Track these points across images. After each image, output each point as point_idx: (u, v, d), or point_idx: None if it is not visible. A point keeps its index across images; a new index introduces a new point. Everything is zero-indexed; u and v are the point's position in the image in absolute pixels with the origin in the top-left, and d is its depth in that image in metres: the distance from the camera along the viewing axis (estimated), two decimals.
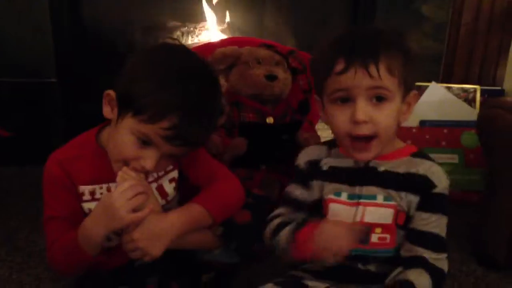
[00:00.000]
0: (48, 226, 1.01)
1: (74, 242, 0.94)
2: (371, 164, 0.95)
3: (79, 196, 1.00)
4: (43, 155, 1.95)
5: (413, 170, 0.94)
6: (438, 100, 1.96)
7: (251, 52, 1.48)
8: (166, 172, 1.06)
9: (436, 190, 0.93)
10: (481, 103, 2.01)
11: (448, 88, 2.02)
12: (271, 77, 1.43)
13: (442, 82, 2.10)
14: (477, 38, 2.17)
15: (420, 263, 0.91)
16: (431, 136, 1.84)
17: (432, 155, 1.77)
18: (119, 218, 0.89)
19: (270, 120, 1.47)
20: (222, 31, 2.18)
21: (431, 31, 2.08)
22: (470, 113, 1.92)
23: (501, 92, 2.12)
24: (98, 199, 0.98)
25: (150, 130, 0.91)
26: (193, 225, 0.99)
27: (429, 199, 0.93)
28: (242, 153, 1.41)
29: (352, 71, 0.87)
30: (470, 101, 2.02)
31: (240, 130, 1.45)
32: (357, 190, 0.95)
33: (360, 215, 0.94)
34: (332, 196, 0.97)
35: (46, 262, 1.30)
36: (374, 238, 0.94)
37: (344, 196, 0.96)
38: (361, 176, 0.96)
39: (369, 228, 0.94)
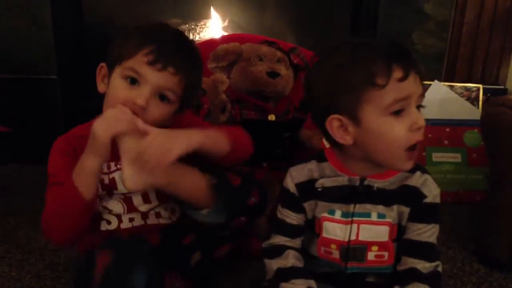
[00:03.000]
0: (49, 191, 1.02)
1: (68, 185, 0.95)
2: (366, 183, 0.94)
3: None
4: (42, 152, 1.95)
5: (405, 183, 0.93)
6: (441, 98, 1.95)
7: (253, 49, 1.47)
8: None
9: (427, 200, 0.92)
10: (484, 102, 2.01)
11: (451, 87, 2.02)
12: (273, 74, 1.42)
13: (444, 80, 2.09)
14: (480, 36, 2.16)
15: (414, 276, 0.91)
16: (434, 134, 1.83)
17: (434, 154, 1.81)
18: (97, 137, 0.91)
19: (271, 117, 1.46)
20: (223, 28, 2.17)
21: (433, 29, 2.07)
22: (473, 112, 1.92)
23: (504, 91, 2.12)
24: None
25: (133, 61, 0.98)
26: (211, 144, 0.98)
27: (420, 209, 0.93)
28: None
29: (412, 77, 0.85)
30: (473, 100, 2.02)
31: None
32: (351, 208, 0.94)
33: (355, 233, 0.93)
34: (326, 215, 0.95)
35: (46, 260, 1.31)
36: (370, 256, 0.94)
37: (338, 214, 0.94)
38: (356, 194, 0.94)
39: (365, 246, 0.94)
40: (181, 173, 0.97)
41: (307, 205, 0.98)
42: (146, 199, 1.06)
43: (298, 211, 0.99)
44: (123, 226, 1.06)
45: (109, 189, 1.04)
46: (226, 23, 2.17)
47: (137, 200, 1.06)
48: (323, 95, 0.90)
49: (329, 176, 0.96)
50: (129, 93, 0.97)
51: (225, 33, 2.12)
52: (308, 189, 0.97)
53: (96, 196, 0.98)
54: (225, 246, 1.13)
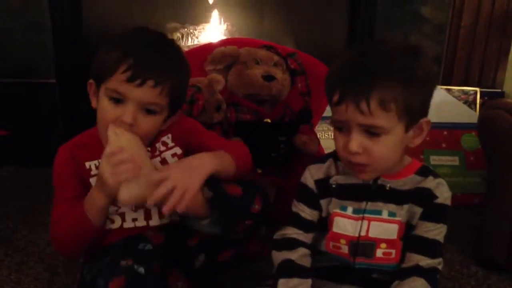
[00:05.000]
0: (56, 207, 1.06)
1: (80, 212, 1.00)
2: (379, 182, 0.97)
3: (87, 172, 1.06)
4: (41, 155, 1.95)
5: (418, 186, 0.96)
6: (438, 102, 1.95)
7: (250, 53, 1.47)
8: (168, 148, 1.11)
9: (438, 201, 0.95)
10: (481, 105, 2.01)
11: (448, 90, 2.02)
12: (269, 78, 1.42)
13: (442, 84, 2.10)
14: (477, 40, 2.17)
15: (414, 271, 0.93)
16: (432, 138, 1.84)
17: (432, 157, 1.82)
18: (105, 180, 0.95)
19: (267, 120, 1.45)
20: (222, 33, 2.17)
21: (430, 32, 2.08)
22: (470, 115, 1.92)
23: (501, 95, 2.13)
24: None
25: (114, 81, 0.98)
26: (221, 169, 1.02)
27: (431, 209, 0.95)
28: None
29: (344, 106, 0.89)
30: (470, 104, 2.03)
31: (236, 130, 1.43)
32: (363, 205, 0.97)
33: (365, 229, 0.96)
34: (337, 210, 0.98)
35: (45, 263, 1.31)
36: (379, 253, 0.96)
37: (349, 211, 0.97)
38: (369, 193, 0.97)
39: (374, 242, 0.96)
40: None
41: (323, 202, 1.00)
42: None
43: (314, 207, 1.02)
44: (126, 225, 1.07)
45: None
46: (225, 27, 2.17)
47: None
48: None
49: (345, 173, 0.99)
50: (115, 112, 0.99)
51: (224, 37, 2.13)
52: (325, 186, 1.00)
53: (104, 221, 1.04)
54: (230, 250, 1.13)
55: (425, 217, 0.95)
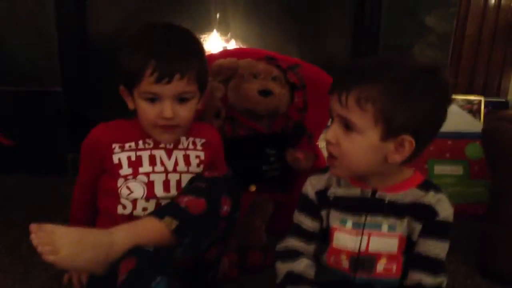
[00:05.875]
0: (75, 186, 1.22)
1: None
2: (377, 195, 0.97)
3: (111, 151, 1.13)
4: (46, 164, 1.95)
5: (419, 201, 0.96)
6: None
7: (249, 66, 1.44)
8: (195, 148, 1.19)
9: (439, 218, 0.95)
10: (485, 115, 2.01)
11: (452, 99, 2.02)
12: (265, 93, 1.37)
13: None
14: (481, 49, 2.18)
15: None
16: (435, 147, 1.83)
17: (436, 167, 1.81)
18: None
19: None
20: (226, 41, 2.18)
21: (435, 42, 2.08)
22: (474, 125, 1.92)
23: (506, 104, 2.13)
24: (126, 150, 1.14)
25: (144, 85, 1.07)
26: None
27: (432, 226, 0.95)
28: None
29: (332, 96, 0.94)
30: (475, 113, 2.03)
31: (224, 148, 1.33)
32: (362, 219, 0.97)
33: (365, 244, 0.96)
34: (337, 225, 0.99)
35: (50, 272, 1.31)
36: (379, 267, 0.96)
37: (349, 225, 0.98)
38: (367, 206, 0.97)
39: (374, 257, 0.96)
40: (138, 234, 1.00)
41: (323, 213, 1.02)
42: (166, 187, 1.13)
43: (315, 218, 1.03)
44: (135, 213, 1.11)
45: (135, 165, 1.13)
46: (228, 36, 2.18)
47: (158, 187, 1.13)
48: None
49: (343, 186, 1.00)
50: (155, 110, 1.09)
51: (228, 46, 2.14)
52: (324, 197, 1.02)
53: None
54: (214, 248, 1.13)
55: (426, 234, 0.95)
